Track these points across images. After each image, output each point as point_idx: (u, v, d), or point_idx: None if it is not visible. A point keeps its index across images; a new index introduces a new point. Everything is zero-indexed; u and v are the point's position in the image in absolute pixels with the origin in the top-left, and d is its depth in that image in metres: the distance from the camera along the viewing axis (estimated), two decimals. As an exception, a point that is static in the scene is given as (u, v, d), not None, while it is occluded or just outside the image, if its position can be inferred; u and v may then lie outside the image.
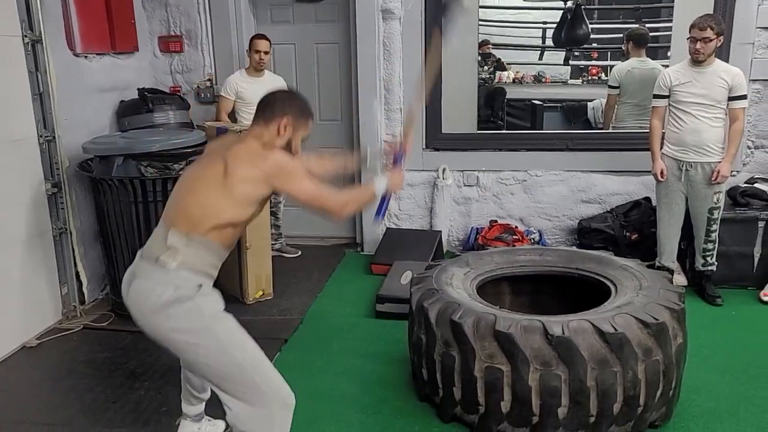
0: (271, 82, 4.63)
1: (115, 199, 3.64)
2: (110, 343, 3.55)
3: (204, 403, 2.53)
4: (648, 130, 4.01)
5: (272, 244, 4.58)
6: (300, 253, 4.92)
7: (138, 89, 4.56)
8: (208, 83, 4.93)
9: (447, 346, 2.54)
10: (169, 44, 4.91)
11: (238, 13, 4.89)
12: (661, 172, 3.88)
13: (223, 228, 2.00)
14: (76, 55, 4.03)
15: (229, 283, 4.12)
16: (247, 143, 2.08)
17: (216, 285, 4.11)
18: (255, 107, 4.48)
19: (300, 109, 2.17)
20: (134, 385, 3.08)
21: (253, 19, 5.00)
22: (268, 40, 4.47)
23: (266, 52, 4.46)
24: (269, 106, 2.14)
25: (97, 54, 4.23)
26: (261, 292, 4.06)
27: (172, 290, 1.92)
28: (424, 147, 4.83)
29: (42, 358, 3.42)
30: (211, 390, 2.21)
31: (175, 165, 3.64)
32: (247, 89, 4.50)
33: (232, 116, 4.60)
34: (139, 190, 3.58)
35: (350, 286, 4.28)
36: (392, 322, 3.58)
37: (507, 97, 6.62)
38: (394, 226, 4.93)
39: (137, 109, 4.43)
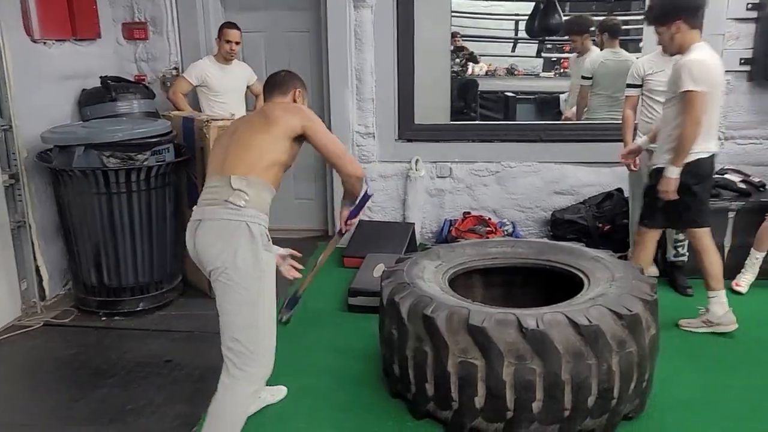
0: (239, 71, 4.54)
1: (77, 190, 3.52)
2: (73, 339, 3.44)
3: None
4: (620, 121, 4.00)
5: (242, 238, 4.49)
6: (270, 246, 4.83)
7: (101, 77, 4.41)
8: (174, 72, 4.79)
9: (419, 341, 2.48)
10: (134, 31, 4.76)
11: (205, 0, 4.76)
12: (634, 163, 3.88)
13: (271, 167, 2.29)
14: (34, 41, 3.86)
15: (197, 277, 4.02)
16: (279, 103, 2.45)
17: (183, 280, 4.04)
18: (223, 96, 4.46)
19: (302, 82, 2.57)
20: (99, 382, 2.98)
21: (221, 6, 4.88)
22: (239, 30, 4.36)
23: (237, 42, 4.35)
24: (282, 80, 2.52)
25: (56, 40, 4.06)
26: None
27: (246, 227, 2.18)
28: (397, 138, 4.77)
29: (1, 357, 3.28)
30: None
31: (139, 155, 3.52)
32: (215, 78, 4.39)
33: (194, 105, 4.48)
34: (101, 182, 3.46)
35: (322, 279, 4.18)
36: (365, 316, 3.52)
37: (480, 89, 6.59)
38: (366, 219, 4.86)
39: (100, 97, 4.28)
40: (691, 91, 3.12)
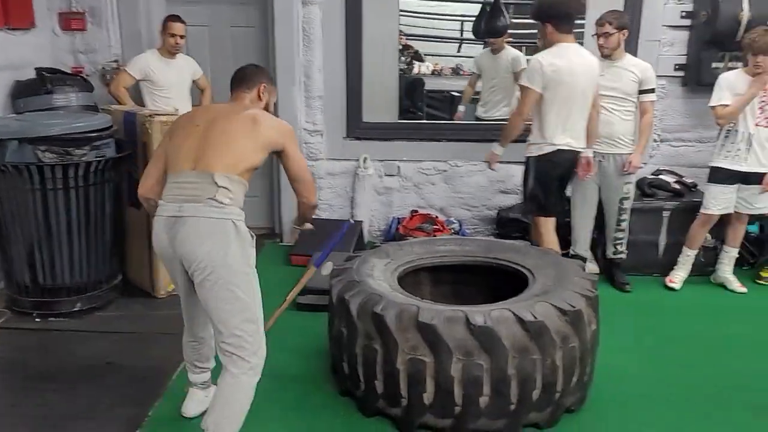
0: (184, 65, 4.44)
1: (9, 186, 3.36)
2: (8, 342, 3.29)
3: (210, 372, 2.63)
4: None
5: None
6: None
7: (36, 68, 4.23)
8: (114, 65, 4.63)
9: (369, 339, 2.49)
10: (71, 21, 4.57)
11: (147, -10, 4.63)
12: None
13: (249, 170, 2.30)
14: (-37, 29, 3.68)
15: (139, 276, 3.92)
16: (268, 117, 2.41)
17: (124, 279, 3.92)
18: (167, 91, 4.34)
19: (269, 77, 2.55)
20: (38, 386, 2.86)
21: (164, -2, 4.75)
22: (184, 23, 4.26)
23: (182, 36, 4.25)
24: (247, 76, 2.48)
25: (-13, 28, 3.88)
26: (173, 286, 3.86)
27: (232, 225, 2.19)
28: (345, 136, 4.76)
29: (-75, 362, 3.11)
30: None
31: (77, 150, 3.39)
32: (160, 72, 4.27)
33: (138, 100, 4.35)
34: (36, 177, 3.31)
35: (269, 278, 4.07)
36: (313, 314, 3.50)
37: (426, 88, 6.64)
38: (314, 217, 4.81)
39: (35, 89, 4.10)
40: (522, 85, 3.50)
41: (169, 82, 4.31)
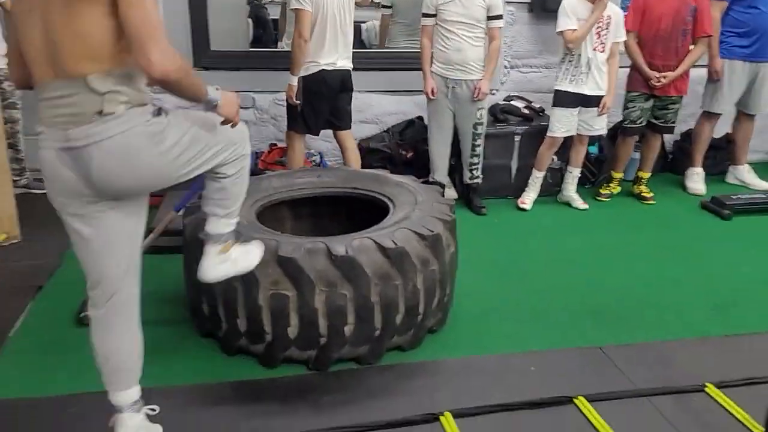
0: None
1: None
2: None
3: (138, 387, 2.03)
4: (417, 50, 4.10)
5: (16, 180, 3.93)
6: (53, 188, 4.30)
7: None
8: None
9: (228, 278, 2.38)
10: None
11: None
12: (432, 91, 4.02)
13: (124, 48, 1.67)
14: None
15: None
16: None
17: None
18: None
19: None
20: None
21: None
22: None
23: None
24: None
25: None
26: (5, 236, 3.48)
27: (144, 134, 1.72)
28: (193, 66, 4.43)
29: None
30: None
31: None
32: None
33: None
34: None
35: (117, 222, 3.86)
36: (166, 257, 3.28)
37: (274, 17, 6.32)
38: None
39: None
40: (296, 9, 3.59)
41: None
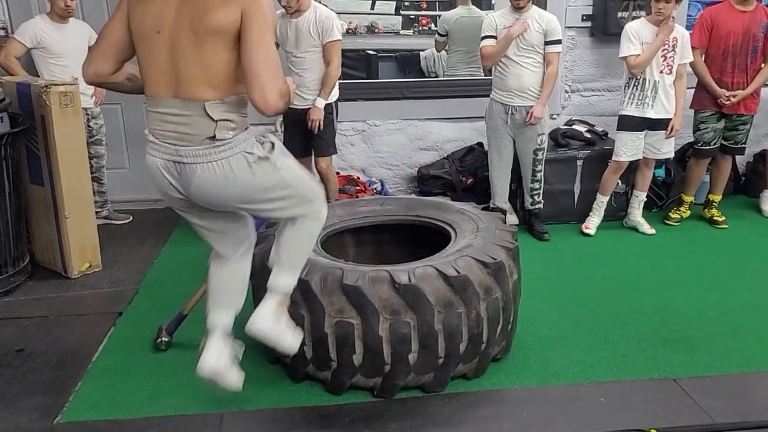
0: (79, 30, 4.15)
1: None
2: None
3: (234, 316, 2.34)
4: (476, 78, 4.15)
5: (98, 212, 4.17)
6: (131, 218, 4.54)
7: None
8: (1, 32, 4.28)
9: (295, 305, 2.45)
10: (-52, -15, 4.18)
11: (34, -50, 4.27)
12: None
13: (239, 78, 1.89)
14: None
15: (49, 256, 3.71)
16: None
17: (33, 260, 3.70)
18: (63, 59, 4.05)
19: None
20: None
21: (53, -42, 4.38)
22: None
23: None
24: None
25: None
26: (88, 264, 3.69)
27: (245, 160, 1.93)
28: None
29: None
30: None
31: (-35, 127, 3.12)
32: (53, 38, 3.98)
33: (32, 70, 4.04)
34: None
35: (188, 250, 4.02)
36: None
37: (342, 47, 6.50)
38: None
39: None
40: (334, 40, 3.76)
41: (65, 49, 4.02)
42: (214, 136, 1.88)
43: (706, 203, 4.49)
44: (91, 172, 4.16)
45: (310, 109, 3.82)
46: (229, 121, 1.90)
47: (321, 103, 3.83)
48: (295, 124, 3.89)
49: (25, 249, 3.64)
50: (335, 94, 3.95)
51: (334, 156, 4.34)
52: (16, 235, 3.48)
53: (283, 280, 2.21)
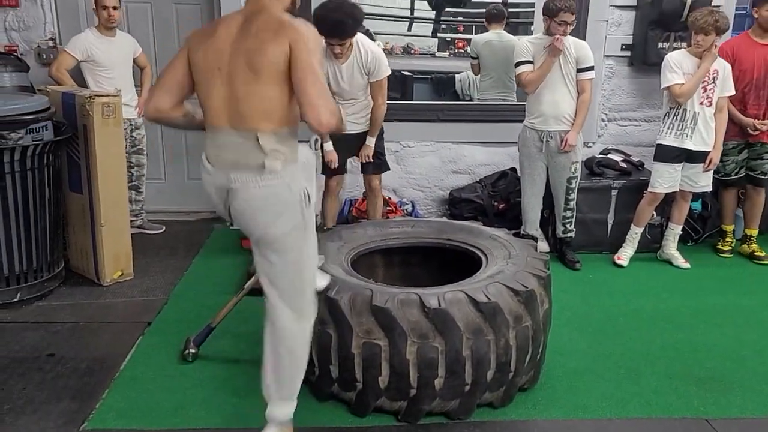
0: (125, 43, 4.27)
1: (-61, 172, 3.17)
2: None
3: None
4: (510, 103, 4.14)
5: (132, 221, 4.24)
6: (164, 229, 4.61)
7: (-36, 47, 3.99)
8: (50, 43, 4.42)
9: (323, 324, 2.45)
10: (2, -3, 4.33)
11: (84, -35, 4.41)
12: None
13: (293, 110, 2.02)
14: None
15: (83, 263, 3.78)
16: (269, 14, 2.01)
17: (67, 266, 3.77)
18: (110, 71, 4.16)
19: None
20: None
21: (102, -28, 4.52)
22: None
23: (115, 7, 4.05)
24: None
25: None
26: (120, 273, 3.74)
27: (288, 191, 2.03)
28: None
29: None
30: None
31: (12, 134, 3.21)
32: (102, 51, 4.09)
33: (79, 81, 4.15)
34: (-32, 163, 3.13)
35: (219, 263, 4.07)
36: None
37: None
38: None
39: (-36, 69, 3.88)
40: (384, 77, 3.75)
41: (113, 62, 4.13)
42: (263, 165, 1.98)
43: (743, 238, 4.39)
44: (131, 181, 4.26)
45: (359, 140, 3.91)
46: (279, 152, 2.00)
47: (371, 141, 3.91)
48: (339, 142, 3.88)
49: (61, 255, 3.71)
50: None
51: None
52: (53, 241, 3.56)
53: (283, 410, 2.26)
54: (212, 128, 2.08)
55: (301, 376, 2.25)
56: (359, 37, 3.67)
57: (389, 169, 4.17)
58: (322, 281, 2.41)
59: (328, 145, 3.82)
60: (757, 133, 4.11)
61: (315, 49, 1.99)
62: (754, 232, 4.35)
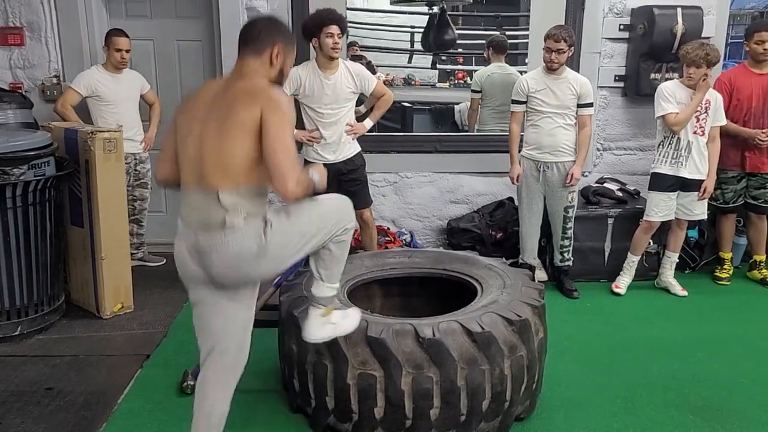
0: (131, 80, 4.36)
1: (-57, 208, 3.22)
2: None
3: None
4: (507, 133, 4.20)
5: (133, 254, 4.28)
6: (164, 261, 4.64)
7: (-30, 85, 4.09)
8: (54, 80, 4.52)
9: (319, 355, 2.47)
10: (8, 36, 4.44)
11: (88, 5, 4.52)
12: (517, 177, 4.08)
13: (253, 168, 1.98)
14: None
15: (83, 296, 3.81)
16: (249, 81, 2.04)
17: (68, 299, 3.80)
18: (116, 107, 4.24)
19: (286, 34, 2.14)
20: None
21: (106, 13, 4.64)
22: (128, 37, 4.19)
23: (127, 50, 4.18)
24: (255, 35, 2.08)
25: None
26: (120, 305, 3.77)
27: (254, 243, 2.00)
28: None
29: None
30: None
31: (14, 170, 3.28)
32: (108, 88, 4.18)
33: (85, 116, 4.23)
34: (-29, 198, 3.19)
35: (219, 295, 4.09)
36: (263, 330, 3.42)
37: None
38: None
39: (-31, 107, 3.96)
40: None
41: (118, 98, 4.22)
42: (224, 221, 1.97)
43: (751, 265, 4.42)
44: (134, 214, 4.32)
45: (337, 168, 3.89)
46: (240, 208, 1.98)
47: (369, 124, 4.00)
48: (333, 178, 3.90)
49: (62, 288, 3.75)
50: (358, 146, 4.02)
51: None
52: (54, 275, 3.60)
53: (324, 292, 2.30)
54: (183, 189, 2.10)
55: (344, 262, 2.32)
56: (342, 61, 3.86)
57: (372, 202, 4.20)
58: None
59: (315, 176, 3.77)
60: (765, 145, 4.14)
61: (288, 117, 2.01)
62: (762, 257, 4.38)
